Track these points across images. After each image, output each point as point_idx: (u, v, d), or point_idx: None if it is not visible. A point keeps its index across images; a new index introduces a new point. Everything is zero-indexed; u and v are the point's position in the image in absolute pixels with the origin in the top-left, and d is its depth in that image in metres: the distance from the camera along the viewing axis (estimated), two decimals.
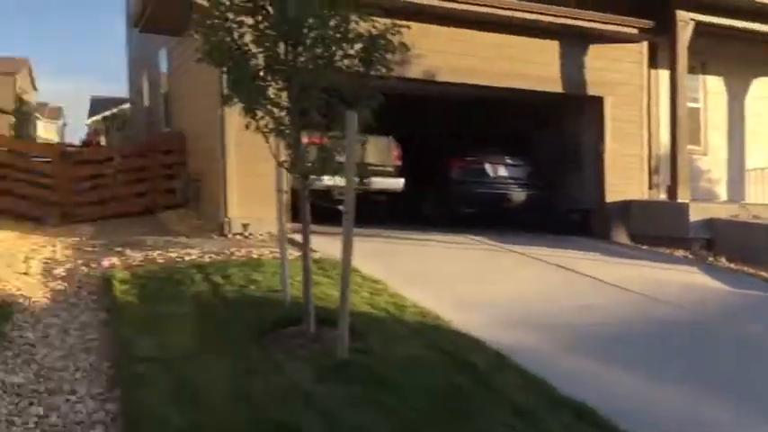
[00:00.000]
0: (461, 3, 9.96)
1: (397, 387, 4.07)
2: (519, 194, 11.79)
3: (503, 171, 11.80)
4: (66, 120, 61.26)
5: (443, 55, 9.96)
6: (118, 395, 4.03)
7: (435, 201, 11.94)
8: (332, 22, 4.59)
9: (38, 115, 46.58)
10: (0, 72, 35.87)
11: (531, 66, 10.73)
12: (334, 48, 4.61)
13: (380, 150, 10.56)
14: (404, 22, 4.68)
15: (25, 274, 7.06)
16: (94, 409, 3.87)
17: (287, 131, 4.71)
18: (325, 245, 7.27)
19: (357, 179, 4.56)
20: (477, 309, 6.17)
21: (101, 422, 3.71)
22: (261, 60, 4.70)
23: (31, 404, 3.84)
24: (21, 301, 5.98)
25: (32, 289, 6.48)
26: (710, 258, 9.59)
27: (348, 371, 4.22)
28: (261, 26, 4.65)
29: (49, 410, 3.80)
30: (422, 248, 9.43)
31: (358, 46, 4.63)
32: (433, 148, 11.84)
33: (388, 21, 4.67)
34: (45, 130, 50.98)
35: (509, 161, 11.82)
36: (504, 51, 10.55)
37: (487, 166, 11.68)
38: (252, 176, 9.12)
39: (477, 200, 11.71)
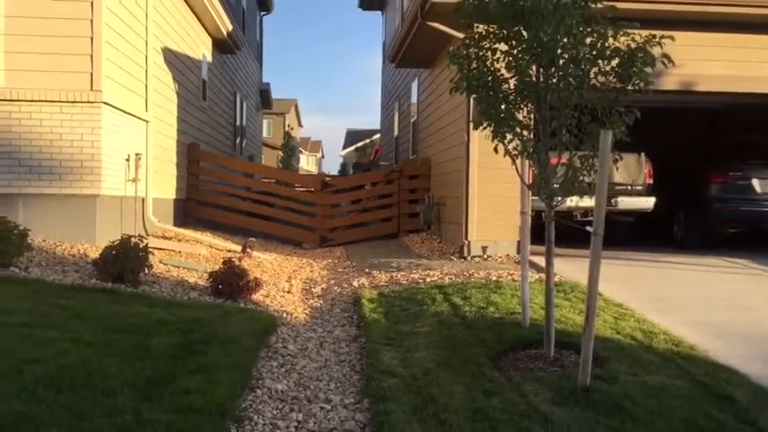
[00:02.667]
0: (728, 4, 9.25)
1: (645, 418, 3.82)
2: None
3: None
4: (323, 152, 66.95)
5: (703, 63, 9.28)
6: (366, 406, 4.28)
7: (689, 220, 11.07)
8: (587, 40, 4.51)
9: (301, 149, 51.50)
10: (274, 113, 40.11)
11: None
12: (588, 66, 4.53)
13: (630, 168, 10.11)
14: (667, 33, 4.45)
15: (288, 292, 7.83)
16: (346, 417, 4.14)
17: (536, 153, 4.71)
18: (564, 267, 7.11)
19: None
20: (738, 338, 5.57)
21: (351, 430, 3.95)
22: (511, 84, 4.77)
23: (292, 410, 4.22)
24: (284, 316, 6.65)
25: (294, 305, 7.18)
26: None
27: (590, 397, 4.05)
28: (514, 51, 4.72)
29: (307, 416, 4.14)
30: (673, 271, 8.77)
31: (614, 62, 4.49)
32: (688, 162, 11.00)
33: (646, 32, 4.48)
34: (307, 162, 56.24)
35: None
36: None
37: (755, 182, 10.57)
38: (491, 199, 9.24)
39: (741, 219, 10.65)
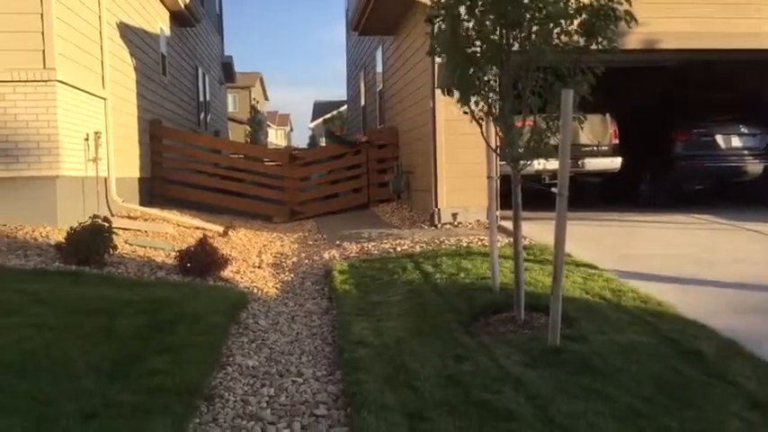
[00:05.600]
0: None
1: (615, 375, 3.85)
2: (755, 167, 10.66)
3: (736, 141, 10.74)
4: (292, 125, 66.33)
5: (665, 20, 9.23)
6: (339, 378, 4.26)
7: (656, 178, 11.17)
8: None
9: (269, 123, 50.92)
10: (238, 86, 39.39)
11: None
12: (552, 25, 4.48)
13: (596, 129, 10.15)
14: None
15: (258, 267, 7.76)
16: (318, 390, 4.12)
17: (501, 116, 4.67)
18: (534, 230, 7.13)
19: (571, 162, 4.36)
20: (705, 293, 5.65)
21: (323, 402, 3.93)
22: (478, 46, 4.70)
23: (263, 385, 4.18)
24: (255, 291, 6.58)
25: (264, 280, 7.11)
26: None
27: (560, 357, 4.08)
28: (479, 11, 4.64)
29: (279, 391, 4.10)
30: (641, 230, 8.86)
31: (577, 21, 4.45)
32: (653, 121, 11.06)
33: None
34: (275, 136, 55.68)
35: (743, 130, 10.71)
36: (735, 9, 9.57)
37: (718, 138, 10.69)
38: (460, 165, 9.20)
39: (707, 175, 10.80)
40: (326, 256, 8.04)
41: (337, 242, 8.77)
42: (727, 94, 11.34)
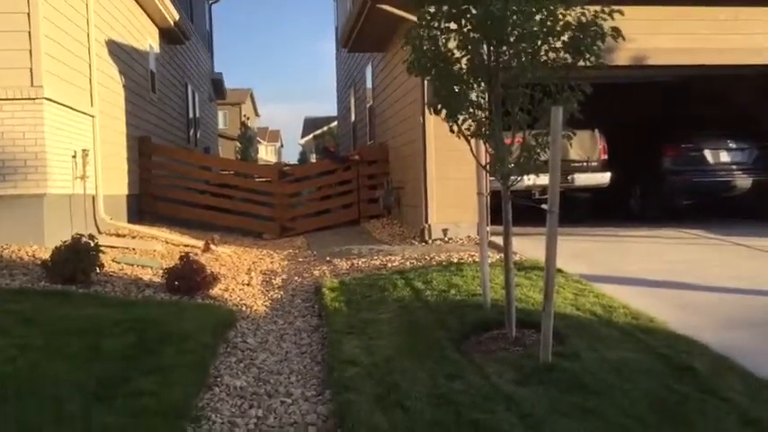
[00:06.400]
0: None
1: (607, 392, 3.82)
2: (744, 181, 10.72)
3: (725, 156, 10.79)
4: (282, 141, 66.30)
5: (654, 37, 9.28)
6: (329, 397, 4.20)
7: (646, 194, 11.21)
8: (537, 17, 4.46)
9: (259, 139, 50.87)
10: (229, 103, 39.31)
11: (756, 37, 9.70)
12: (539, 42, 4.48)
13: (585, 145, 10.19)
14: (616, 7, 4.43)
15: (248, 284, 7.69)
16: (307, 410, 4.06)
17: (490, 133, 4.66)
18: (525, 246, 7.10)
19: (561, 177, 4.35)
20: (696, 308, 5.63)
21: (313, 424, 3.87)
22: (463, 64, 4.70)
23: (251, 406, 4.11)
24: (244, 309, 6.51)
25: (254, 298, 7.05)
26: None
27: (552, 375, 4.04)
28: (465, 29, 4.64)
29: (267, 412, 4.03)
30: (631, 245, 8.86)
31: (565, 37, 4.45)
32: (642, 136, 11.11)
33: (596, 7, 4.45)
34: (266, 152, 55.61)
35: (732, 145, 10.77)
36: (723, 25, 9.63)
37: (707, 153, 10.74)
38: (450, 181, 9.19)
39: (696, 189, 10.84)
40: (317, 272, 7.99)
41: (327, 259, 8.72)
42: (716, 109, 11.42)
